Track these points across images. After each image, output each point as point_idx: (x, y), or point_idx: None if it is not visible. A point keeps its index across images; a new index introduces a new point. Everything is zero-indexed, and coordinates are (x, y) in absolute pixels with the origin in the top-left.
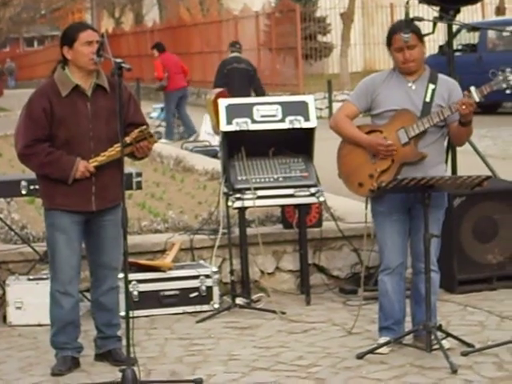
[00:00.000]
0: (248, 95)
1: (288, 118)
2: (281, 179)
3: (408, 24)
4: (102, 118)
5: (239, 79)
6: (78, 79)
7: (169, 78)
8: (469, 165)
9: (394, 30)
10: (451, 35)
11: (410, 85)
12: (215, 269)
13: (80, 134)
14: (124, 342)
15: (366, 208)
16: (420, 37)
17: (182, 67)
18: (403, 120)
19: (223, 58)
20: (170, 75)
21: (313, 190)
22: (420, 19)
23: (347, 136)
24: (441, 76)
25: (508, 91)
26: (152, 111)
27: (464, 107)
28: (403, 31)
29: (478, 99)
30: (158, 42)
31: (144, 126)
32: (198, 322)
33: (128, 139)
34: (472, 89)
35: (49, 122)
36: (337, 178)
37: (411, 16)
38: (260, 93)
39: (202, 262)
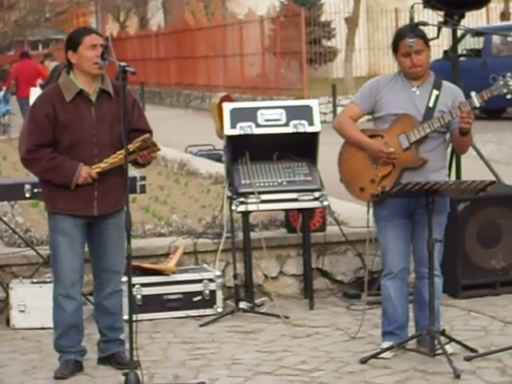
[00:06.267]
0: None
1: (292, 122)
2: (285, 183)
3: (413, 29)
4: (105, 123)
5: None
6: (83, 84)
7: (17, 86)
8: (473, 170)
9: (400, 36)
10: (456, 40)
11: (414, 90)
12: (219, 273)
13: (84, 139)
14: (127, 345)
15: (368, 213)
16: (426, 42)
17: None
18: (404, 124)
19: (56, 65)
20: (17, 83)
21: (317, 194)
22: (425, 24)
23: (350, 138)
24: (445, 83)
25: (508, 96)
26: None
27: (465, 115)
28: (408, 36)
29: (478, 104)
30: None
31: (147, 135)
32: (201, 325)
33: (131, 147)
34: (472, 94)
35: (52, 127)
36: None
37: (416, 21)
38: None
39: (205, 265)
